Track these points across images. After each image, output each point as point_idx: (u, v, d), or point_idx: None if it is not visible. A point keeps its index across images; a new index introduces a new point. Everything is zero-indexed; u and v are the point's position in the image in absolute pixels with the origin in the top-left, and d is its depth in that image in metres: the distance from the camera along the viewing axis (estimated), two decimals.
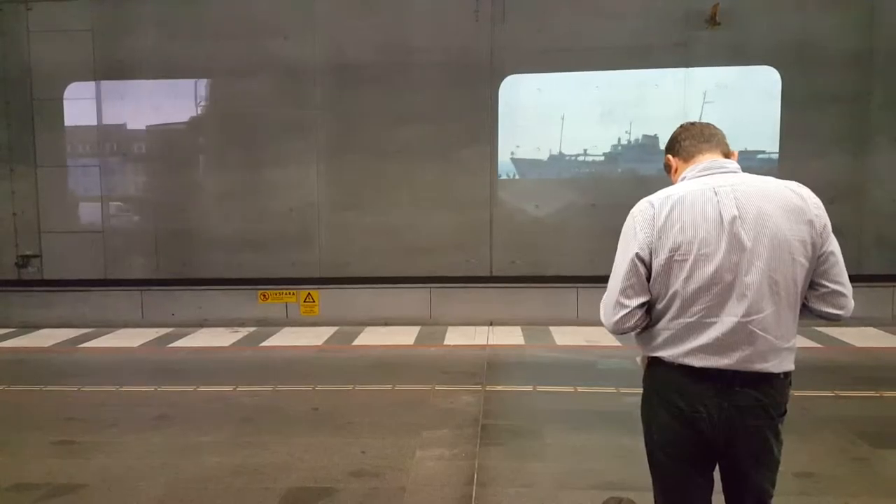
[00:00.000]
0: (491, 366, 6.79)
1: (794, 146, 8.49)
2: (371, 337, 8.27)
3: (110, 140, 9.28)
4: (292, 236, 9.05)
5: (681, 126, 2.36)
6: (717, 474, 2.27)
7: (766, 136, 8.61)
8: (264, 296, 9.06)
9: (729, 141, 2.32)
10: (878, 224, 8.52)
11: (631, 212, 2.20)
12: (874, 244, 8.46)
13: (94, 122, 9.12)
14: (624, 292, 2.14)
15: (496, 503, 3.79)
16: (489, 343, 7.82)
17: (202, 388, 6.19)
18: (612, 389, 5.86)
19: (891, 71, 8.42)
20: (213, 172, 9.22)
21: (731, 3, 8.31)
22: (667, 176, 2.40)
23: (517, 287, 8.85)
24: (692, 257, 2.06)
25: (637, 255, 2.12)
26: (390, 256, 8.91)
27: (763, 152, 8.87)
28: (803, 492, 3.82)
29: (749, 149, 8.84)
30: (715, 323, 2.06)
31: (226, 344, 8.13)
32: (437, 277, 8.89)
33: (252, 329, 8.79)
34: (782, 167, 8.48)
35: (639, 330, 2.21)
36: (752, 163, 8.87)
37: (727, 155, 2.26)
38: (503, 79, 8.77)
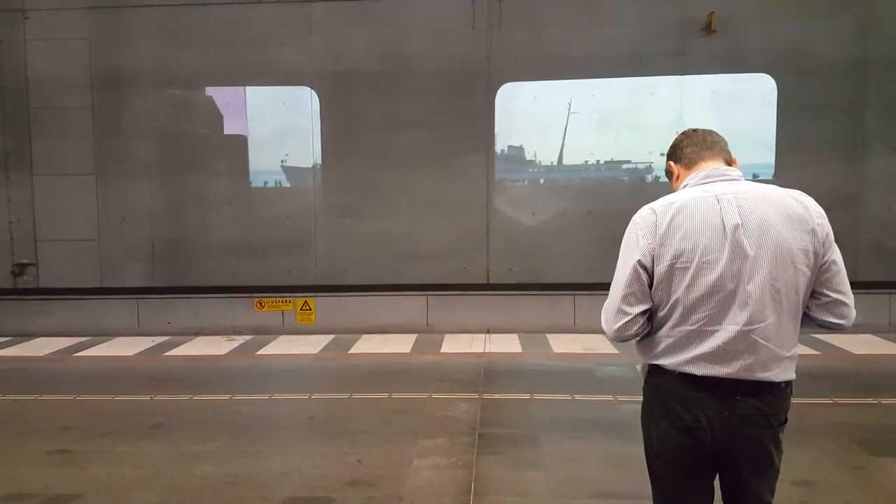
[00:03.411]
0: (488, 374, 6.77)
1: (790, 154, 8.50)
2: (368, 345, 8.25)
3: (106, 148, 9.23)
4: (289, 244, 9.03)
5: (682, 133, 2.36)
6: (716, 483, 2.26)
7: (762, 143, 8.63)
8: (260, 304, 9.03)
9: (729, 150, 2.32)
10: (875, 231, 8.53)
11: (633, 218, 2.20)
12: (871, 251, 8.46)
13: (91, 130, 9.08)
14: (626, 300, 2.14)
15: None
16: (486, 351, 7.81)
17: (198, 397, 6.16)
18: (609, 397, 5.85)
19: (887, 79, 8.44)
20: (209, 180, 9.20)
21: (727, 11, 8.33)
22: (668, 182, 2.40)
23: (514, 294, 8.83)
24: (694, 265, 2.05)
25: (639, 262, 2.11)
26: (387, 264, 8.89)
27: (759, 160, 8.88)
28: (802, 500, 3.81)
29: (744, 156, 8.84)
30: (717, 331, 2.05)
31: (222, 352, 8.10)
32: (434, 285, 8.87)
33: (248, 337, 8.76)
34: (778, 175, 8.50)
35: (640, 337, 2.21)
36: (747, 170, 8.90)
37: (729, 162, 2.26)
38: (500, 86, 8.78)
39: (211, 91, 9.24)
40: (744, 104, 8.81)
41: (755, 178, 8.26)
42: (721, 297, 2.04)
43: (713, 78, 8.77)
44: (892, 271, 8.50)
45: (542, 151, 9.33)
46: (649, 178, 9.24)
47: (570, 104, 8.87)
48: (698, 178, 2.21)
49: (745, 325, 2.03)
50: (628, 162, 9.43)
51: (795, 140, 8.51)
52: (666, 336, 2.13)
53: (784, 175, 8.31)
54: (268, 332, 8.88)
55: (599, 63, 8.75)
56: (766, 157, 8.64)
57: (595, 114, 9.00)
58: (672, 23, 8.52)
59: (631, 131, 8.89)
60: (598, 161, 9.45)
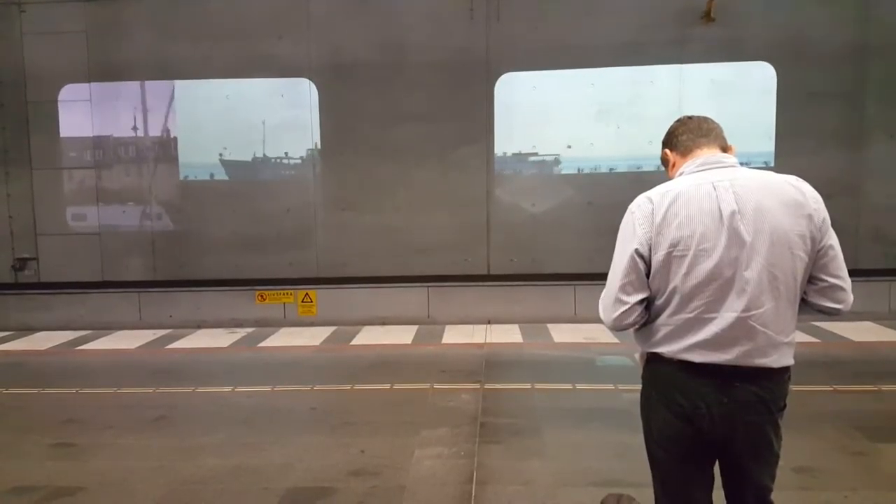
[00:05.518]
0: (489, 364, 6.78)
1: (790, 142, 8.48)
2: (369, 336, 8.27)
3: (105, 142, 9.25)
4: (290, 237, 9.04)
5: (678, 120, 2.35)
6: (717, 470, 2.27)
7: (761, 131, 8.61)
8: (262, 296, 9.04)
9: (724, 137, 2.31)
10: (874, 219, 8.53)
11: (629, 207, 2.20)
12: (871, 239, 8.46)
13: (89, 124, 9.08)
14: (623, 289, 2.14)
15: (495, 501, 3.79)
16: (487, 341, 7.82)
17: (200, 390, 6.18)
18: (610, 386, 5.86)
19: (886, 66, 8.42)
20: (209, 173, 9.22)
21: None
22: (665, 171, 2.40)
23: (515, 285, 8.84)
24: (691, 253, 2.05)
25: (636, 251, 2.11)
26: (388, 256, 8.90)
27: (759, 148, 8.86)
28: (803, 486, 3.83)
29: (744, 145, 8.81)
30: (714, 318, 2.05)
31: (224, 345, 8.12)
32: (435, 276, 8.88)
33: (250, 330, 8.77)
34: (778, 163, 8.49)
35: (638, 326, 2.21)
36: (747, 159, 8.88)
37: (725, 149, 2.26)
38: (499, 77, 8.75)
39: (207, 84, 9.21)
40: (743, 92, 8.77)
41: (743, 165, 8.25)
42: (719, 285, 2.04)
43: (712, 66, 8.74)
44: (891, 259, 8.51)
45: (542, 142, 9.29)
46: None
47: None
48: (694, 165, 2.21)
49: (743, 311, 2.03)
50: (627, 153, 9.39)
51: (795, 128, 8.49)
52: (664, 324, 2.14)
53: (784, 163, 8.30)
54: (269, 324, 8.90)
55: (598, 52, 8.72)
56: (766, 145, 8.62)
57: (594, 103, 8.97)
58: (671, 11, 8.49)
59: (630, 121, 8.86)
60: (597, 151, 9.41)
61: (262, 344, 8.10)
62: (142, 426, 5.23)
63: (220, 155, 9.25)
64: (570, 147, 9.03)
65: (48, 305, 9.17)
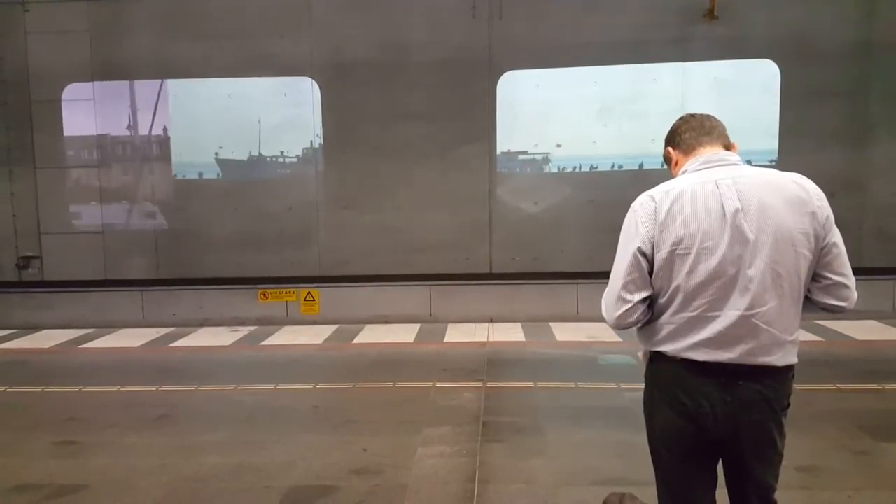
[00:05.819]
0: (491, 362, 6.78)
1: (794, 140, 8.46)
2: (371, 335, 8.27)
3: (108, 140, 9.27)
4: (292, 235, 9.04)
5: (681, 118, 2.34)
6: (720, 469, 2.26)
7: (764, 130, 8.59)
8: (264, 295, 9.05)
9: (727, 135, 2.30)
10: (878, 217, 8.50)
11: (632, 206, 2.19)
12: (875, 237, 8.43)
13: (93, 123, 9.10)
14: (626, 287, 2.14)
15: (498, 500, 3.78)
16: (489, 340, 7.82)
17: (203, 388, 6.19)
18: (612, 385, 5.86)
19: (890, 63, 8.38)
20: (211, 172, 9.23)
21: None
22: (667, 169, 2.39)
23: (517, 284, 8.83)
24: (694, 251, 2.05)
25: (639, 249, 2.11)
26: (389, 254, 8.90)
27: (762, 146, 8.84)
28: (805, 486, 3.82)
29: (747, 143, 8.78)
30: (718, 317, 2.05)
31: (226, 343, 8.12)
32: (437, 275, 8.87)
33: (252, 328, 8.78)
34: (781, 161, 8.46)
35: (641, 325, 2.21)
36: (751, 157, 8.85)
37: (728, 147, 2.25)
38: (501, 75, 8.74)
39: (208, 82, 9.22)
40: (746, 90, 8.75)
41: (747, 163, 8.22)
42: (722, 283, 2.04)
43: (715, 64, 8.71)
44: (895, 257, 8.48)
45: (544, 140, 9.28)
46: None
47: None
48: (697, 163, 2.20)
49: (747, 309, 2.02)
50: (630, 151, 9.37)
51: (799, 126, 8.47)
52: (667, 323, 2.13)
53: (787, 161, 8.27)
54: (272, 322, 8.91)
55: (601, 50, 8.70)
56: (769, 143, 8.60)
57: (596, 101, 8.95)
58: (674, 9, 8.47)
59: (633, 119, 8.84)
60: (599, 149, 9.39)
61: (265, 342, 8.10)
62: (144, 424, 5.23)
63: (216, 154, 9.26)
64: (559, 146, 9.02)
65: (51, 304, 9.18)
